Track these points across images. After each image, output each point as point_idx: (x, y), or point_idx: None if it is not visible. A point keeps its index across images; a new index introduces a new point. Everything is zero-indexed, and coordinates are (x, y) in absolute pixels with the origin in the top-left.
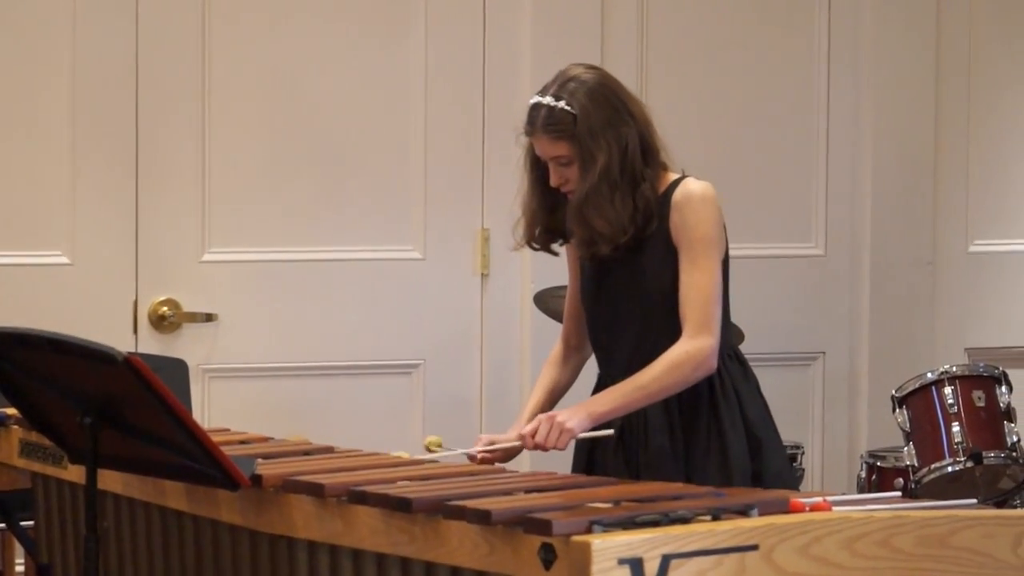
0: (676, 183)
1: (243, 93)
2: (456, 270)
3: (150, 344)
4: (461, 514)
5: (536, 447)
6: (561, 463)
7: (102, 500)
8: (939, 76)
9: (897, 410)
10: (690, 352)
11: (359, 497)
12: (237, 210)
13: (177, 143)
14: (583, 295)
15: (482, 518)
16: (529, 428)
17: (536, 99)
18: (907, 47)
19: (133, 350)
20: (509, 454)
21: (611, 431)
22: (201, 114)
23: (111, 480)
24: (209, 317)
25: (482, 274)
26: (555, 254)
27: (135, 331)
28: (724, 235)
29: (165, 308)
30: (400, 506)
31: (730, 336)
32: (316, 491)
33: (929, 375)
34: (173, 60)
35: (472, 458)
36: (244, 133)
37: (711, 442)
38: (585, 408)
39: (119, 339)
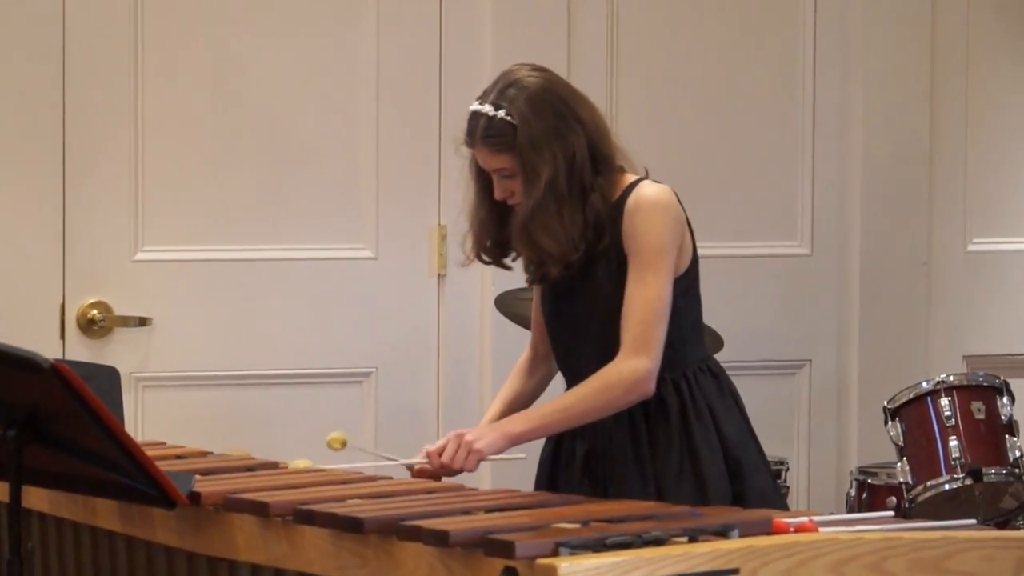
0: (631, 187)
1: (180, 77)
2: (411, 270)
3: (78, 350)
4: (416, 535)
5: (442, 468)
6: (526, 481)
7: (27, 519)
8: (934, 60)
9: (889, 423)
10: (623, 373)
11: (306, 517)
12: (173, 205)
13: (108, 131)
14: (543, 312)
15: (439, 539)
16: (437, 445)
17: (475, 107)
18: (900, 29)
19: (60, 357)
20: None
21: (523, 455)
22: (134, 99)
23: (36, 498)
24: (143, 321)
25: (439, 274)
26: (508, 268)
27: (62, 336)
28: (686, 241)
29: (95, 311)
30: (351, 526)
31: (702, 347)
32: (260, 510)
33: (924, 385)
34: (103, 40)
35: (410, 469)
36: (181, 120)
37: (684, 464)
38: (500, 428)
39: (44, 345)
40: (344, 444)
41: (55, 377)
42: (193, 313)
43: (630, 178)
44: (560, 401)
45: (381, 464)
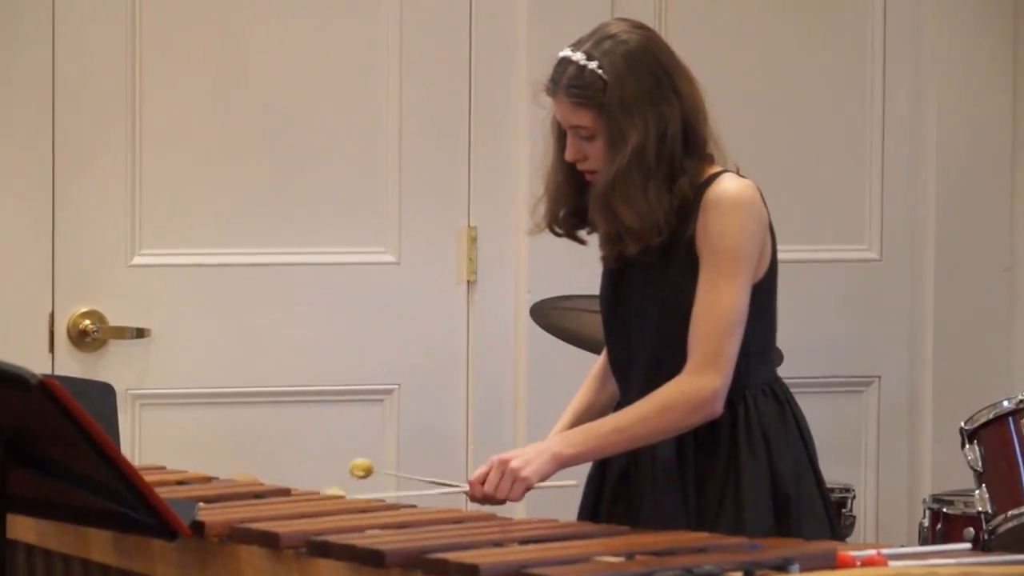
0: (711, 179)
1: (181, 63)
2: (437, 276)
3: (70, 365)
4: (443, 569)
5: (484, 498)
6: (565, 507)
7: (12, 552)
8: (1016, 52)
9: (967, 446)
10: (686, 393)
11: (321, 548)
12: (173, 204)
13: (101, 123)
14: (600, 301)
15: (468, 574)
16: (479, 472)
17: (565, 53)
18: (976, 19)
19: (49, 372)
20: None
21: (573, 482)
22: (130, 88)
23: (23, 528)
24: (140, 332)
25: (468, 281)
26: (582, 242)
27: (51, 349)
28: (766, 244)
29: (87, 322)
30: (370, 559)
31: (768, 368)
32: (269, 541)
33: (1006, 404)
34: (96, 23)
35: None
36: (183, 113)
37: (726, 494)
38: (548, 450)
39: (32, 358)
40: (369, 472)
41: (43, 394)
42: (195, 323)
43: (714, 168)
44: (617, 420)
45: (425, 493)
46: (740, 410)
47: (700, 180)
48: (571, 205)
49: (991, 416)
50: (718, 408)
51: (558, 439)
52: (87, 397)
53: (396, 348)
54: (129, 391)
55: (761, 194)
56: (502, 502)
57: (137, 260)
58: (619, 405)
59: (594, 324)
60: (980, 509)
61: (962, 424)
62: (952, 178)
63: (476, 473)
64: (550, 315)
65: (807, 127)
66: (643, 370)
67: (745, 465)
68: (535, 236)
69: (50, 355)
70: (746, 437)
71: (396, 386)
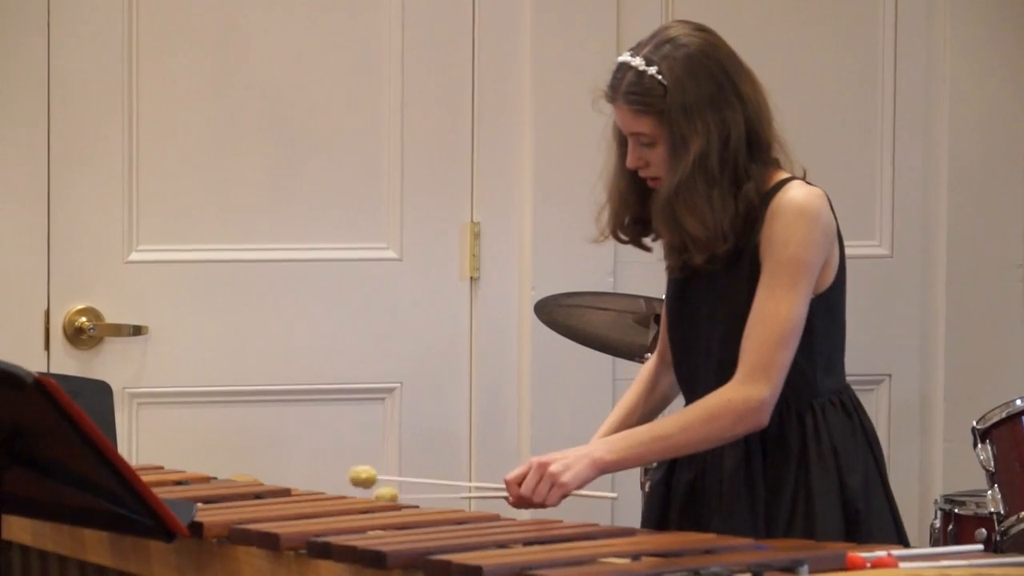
0: (779, 186)
1: (179, 55)
2: (439, 273)
3: (65, 363)
4: (446, 571)
5: (520, 500)
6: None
7: (7, 552)
8: None
9: (979, 445)
10: (733, 401)
11: (321, 550)
12: (171, 199)
13: (97, 115)
14: (666, 310)
15: (471, 575)
16: (516, 473)
17: (624, 58)
18: (990, 9)
19: (45, 370)
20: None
21: (614, 494)
22: (127, 79)
23: (19, 529)
24: (137, 330)
25: (471, 277)
26: (647, 249)
27: (47, 347)
28: (833, 254)
29: (83, 319)
30: (372, 560)
31: (837, 377)
32: (269, 542)
33: (1019, 403)
34: (93, 19)
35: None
36: (180, 107)
37: (797, 508)
38: (589, 455)
39: (27, 356)
40: (373, 481)
41: (39, 393)
42: (193, 321)
43: (781, 175)
44: (660, 427)
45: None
46: (809, 422)
47: (767, 186)
48: (635, 212)
49: (1003, 415)
50: (764, 419)
51: (599, 444)
52: (83, 396)
53: (398, 346)
54: (126, 389)
55: (830, 201)
56: (538, 506)
57: (134, 256)
58: None
59: (599, 321)
60: (992, 510)
61: (974, 423)
62: (964, 174)
63: (513, 473)
64: (554, 312)
65: (818, 123)
66: (709, 381)
67: (815, 479)
68: (540, 232)
69: (46, 353)
70: (816, 450)
71: (398, 384)
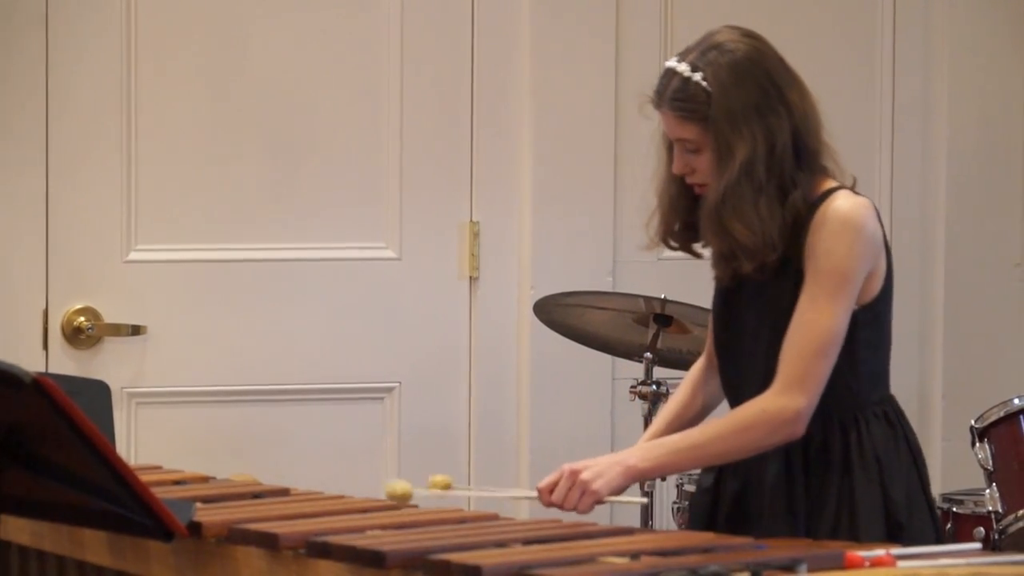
0: (826, 195)
1: (177, 54)
2: (438, 272)
3: (64, 362)
4: (445, 570)
5: (551, 506)
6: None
7: (6, 553)
8: None
9: (977, 444)
10: (768, 412)
11: (320, 549)
12: (169, 199)
13: (96, 118)
14: (712, 318)
15: (471, 575)
16: (548, 481)
17: (671, 64)
18: (989, 6)
19: (43, 370)
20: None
21: (644, 499)
22: (125, 83)
23: (17, 529)
24: (136, 329)
25: (470, 277)
26: (698, 256)
27: (45, 347)
28: (879, 265)
29: (82, 318)
30: (371, 560)
31: (882, 388)
32: (268, 542)
33: (1016, 402)
34: (91, 19)
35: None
36: (179, 106)
37: (841, 521)
38: (622, 463)
39: (26, 356)
40: (410, 496)
41: (37, 393)
42: (192, 320)
43: (829, 184)
44: (693, 436)
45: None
46: (852, 433)
47: (814, 195)
48: (684, 218)
49: (1002, 414)
50: (800, 430)
51: (632, 451)
52: (82, 396)
53: (397, 345)
54: (125, 389)
55: (877, 212)
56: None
57: (133, 256)
58: None
59: (599, 320)
60: (990, 508)
61: (972, 422)
62: (963, 174)
63: (545, 481)
64: (553, 312)
65: None
66: (754, 388)
67: (859, 491)
68: (539, 231)
69: (44, 353)
70: (859, 462)
71: (397, 384)
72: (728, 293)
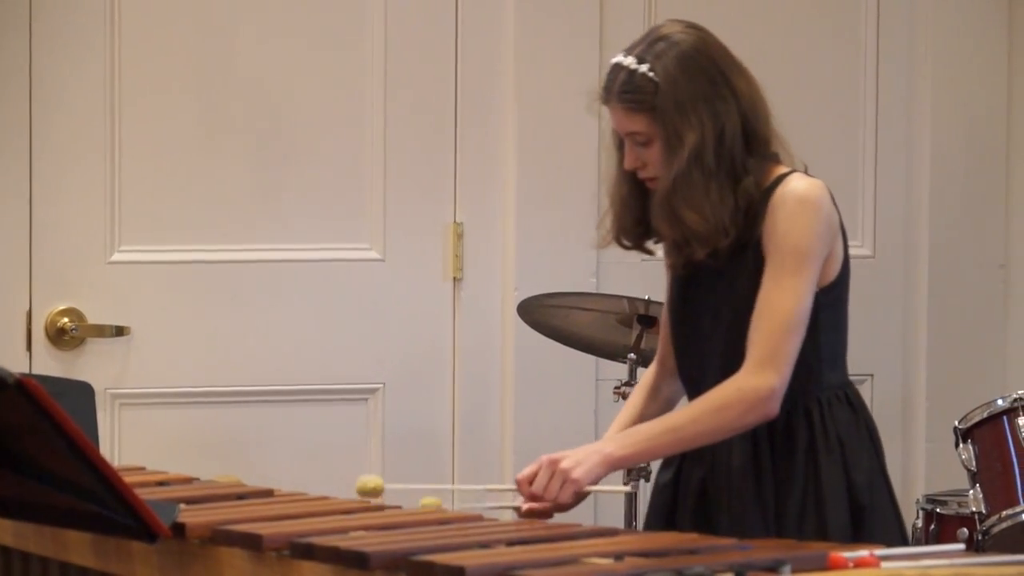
0: (780, 179)
1: (162, 58)
2: (422, 273)
3: (47, 363)
4: (429, 571)
5: (532, 498)
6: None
7: None
8: (1012, 48)
9: (961, 445)
10: (743, 391)
11: (304, 551)
12: (154, 199)
13: (80, 119)
14: (668, 310)
15: (454, 575)
16: (527, 472)
17: (617, 59)
18: (972, 8)
19: (27, 371)
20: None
21: (628, 488)
22: (109, 83)
23: (0, 530)
24: (119, 330)
25: (454, 278)
26: (650, 253)
27: (28, 348)
28: (837, 248)
29: (66, 320)
30: (355, 561)
31: (842, 371)
32: (252, 543)
33: (1000, 402)
34: (75, 18)
35: (517, 510)
36: (163, 107)
37: (808, 505)
38: (599, 452)
39: (9, 357)
40: (381, 490)
41: (20, 394)
42: (176, 321)
43: (781, 169)
44: (669, 421)
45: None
46: (815, 415)
47: (767, 181)
48: (636, 216)
49: (985, 415)
50: (774, 408)
51: (610, 440)
52: (65, 397)
53: (381, 346)
54: (108, 390)
55: (831, 194)
56: (559, 506)
57: (116, 257)
58: None
59: (582, 322)
60: (974, 509)
61: (956, 423)
62: (946, 175)
63: (524, 472)
64: (537, 313)
65: (800, 124)
66: (715, 377)
67: (824, 473)
68: (523, 232)
69: (27, 354)
70: (823, 444)
71: (380, 385)
72: (684, 284)
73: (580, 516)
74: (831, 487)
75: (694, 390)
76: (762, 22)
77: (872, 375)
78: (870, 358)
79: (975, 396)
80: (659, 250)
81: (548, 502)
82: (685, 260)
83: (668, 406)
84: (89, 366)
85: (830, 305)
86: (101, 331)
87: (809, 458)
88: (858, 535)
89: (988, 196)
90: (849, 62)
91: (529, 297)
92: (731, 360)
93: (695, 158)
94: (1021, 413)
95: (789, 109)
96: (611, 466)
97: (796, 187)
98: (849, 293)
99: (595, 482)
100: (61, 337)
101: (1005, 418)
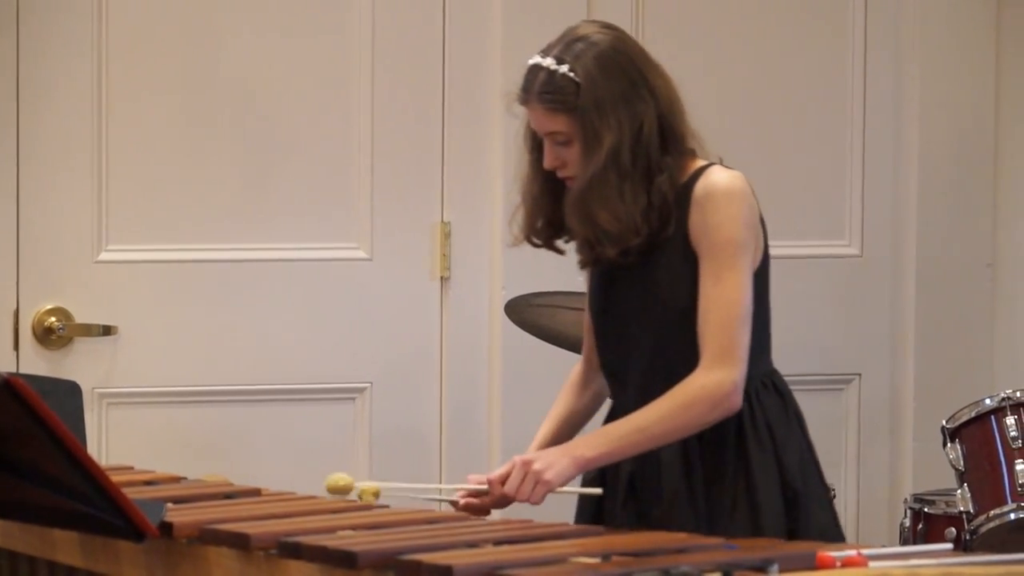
0: (698, 173)
1: (149, 57)
2: (410, 272)
3: (35, 363)
4: (416, 570)
5: (504, 498)
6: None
7: None
8: (999, 49)
9: (948, 445)
10: (707, 387)
11: (292, 550)
12: (141, 198)
13: (68, 117)
14: (590, 308)
15: (442, 575)
16: (499, 472)
17: (535, 60)
18: (960, 5)
19: (14, 370)
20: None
21: (599, 489)
22: (97, 82)
23: None
24: (107, 330)
25: (442, 277)
26: (560, 252)
27: (16, 347)
28: (759, 235)
29: (53, 319)
30: (342, 561)
31: (767, 359)
32: (239, 542)
33: (988, 402)
34: (63, 17)
35: (454, 504)
36: (150, 106)
37: (739, 493)
38: (569, 453)
39: None
40: (351, 488)
41: (8, 393)
42: (163, 321)
43: (699, 163)
44: (637, 420)
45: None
46: (745, 405)
47: (684, 176)
48: (547, 215)
49: (973, 415)
50: (737, 402)
51: (579, 441)
52: (53, 396)
53: (368, 346)
54: (96, 389)
55: (750, 185)
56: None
57: (104, 256)
58: (613, 411)
59: (570, 321)
60: (962, 509)
61: (944, 423)
62: (934, 173)
63: (496, 473)
64: (525, 312)
65: (787, 122)
66: (640, 371)
67: (755, 461)
68: (510, 232)
69: (15, 353)
70: (752, 432)
71: (368, 384)
72: (606, 279)
73: (516, 513)
74: (763, 473)
75: (617, 384)
76: (749, 20)
77: (860, 374)
78: (858, 358)
79: (963, 395)
80: (570, 249)
81: (520, 501)
82: (594, 258)
83: (596, 400)
84: (77, 365)
85: (754, 294)
86: (88, 330)
87: (739, 447)
88: (793, 522)
89: (976, 195)
90: (836, 60)
91: (516, 296)
92: (657, 355)
93: (612, 159)
94: (1009, 412)
95: (776, 107)
96: (581, 467)
97: (719, 179)
98: (769, 281)
99: (566, 483)
100: (48, 336)
101: (993, 417)
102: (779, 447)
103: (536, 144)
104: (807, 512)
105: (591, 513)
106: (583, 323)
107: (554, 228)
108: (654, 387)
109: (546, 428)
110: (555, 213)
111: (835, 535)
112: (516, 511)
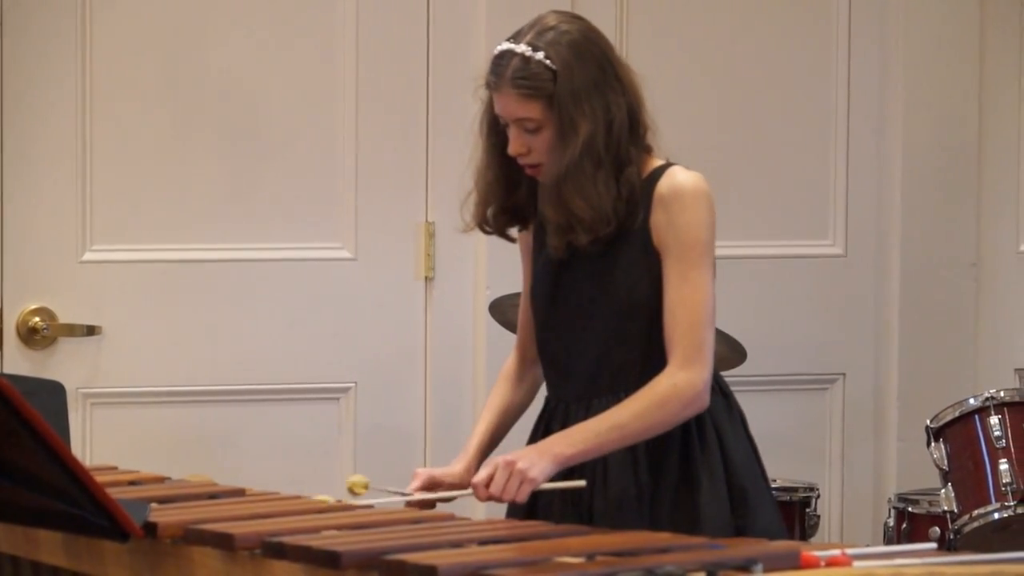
0: (660, 171)
1: (133, 55)
2: (394, 272)
3: (18, 363)
4: (400, 570)
5: (490, 499)
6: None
7: None
8: (983, 49)
9: (932, 444)
10: (679, 386)
11: (276, 550)
12: (125, 199)
13: (51, 112)
14: (534, 297)
15: (426, 575)
16: (483, 475)
17: (506, 46)
18: (945, 4)
19: None
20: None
21: (582, 482)
22: (81, 82)
23: None
24: (91, 330)
25: (426, 277)
26: (511, 240)
27: (0, 347)
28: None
29: (37, 319)
30: (326, 561)
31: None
32: (223, 542)
33: (971, 401)
34: (46, 16)
35: (410, 502)
36: (135, 106)
37: (680, 491)
38: (549, 451)
39: None
40: (366, 487)
41: None
42: (147, 321)
43: (657, 161)
44: (614, 417)
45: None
46: None
47: (646, 171)
48: (501, 203)
49: (957, 414)
50: (706, 400)
51: (557, 439)
52: (37, 396)
53: (353, 345)
54: (80, 389)
55: None
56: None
57: (88, 256)
58: (549, 405)
59: None
60: (946, 508)
61: (928, 422)
62: (918, 173)
63: (480, 475)
64: (509, 312)
65: (771, 122)
66: (589, 363)
67: (697, 460)
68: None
69: None
70: (697, 432)
71: (352, 384)
72: (557, 269)
73: (454, 507)
74: (706, 473)
75: (559, 374)
76: (733, 17)
77: (844, 374)
78: (842, 357)
79: (947, 395)
80: (521, 237)
81: (506, 500)
82: (566, 244)
83: (531, 392)
84: (60, 365)
85: None
86: (72, 330)
87: (682, 447)
88: (740, 514)
89: (960, 195)
90: (820, 58)
91: (500, 296)
92: (606, 347)
93: (587, 147)
94: (992, 412)
95: (760, 106)
96: (561, 464)
97: (686, 180)
98: (725, 279)
99: (546, 480)
100: (32, 336)
101: (976, 417)
102: (727, 446)
103: (495, 130)
104: (755, 511)
105: (526, 505)
106: (522, 313)
107: (508, 216)
108: (601, 379)
109: (486, 421)
110: (509, 200)
111: (779, 534)
112: (457, 508)
